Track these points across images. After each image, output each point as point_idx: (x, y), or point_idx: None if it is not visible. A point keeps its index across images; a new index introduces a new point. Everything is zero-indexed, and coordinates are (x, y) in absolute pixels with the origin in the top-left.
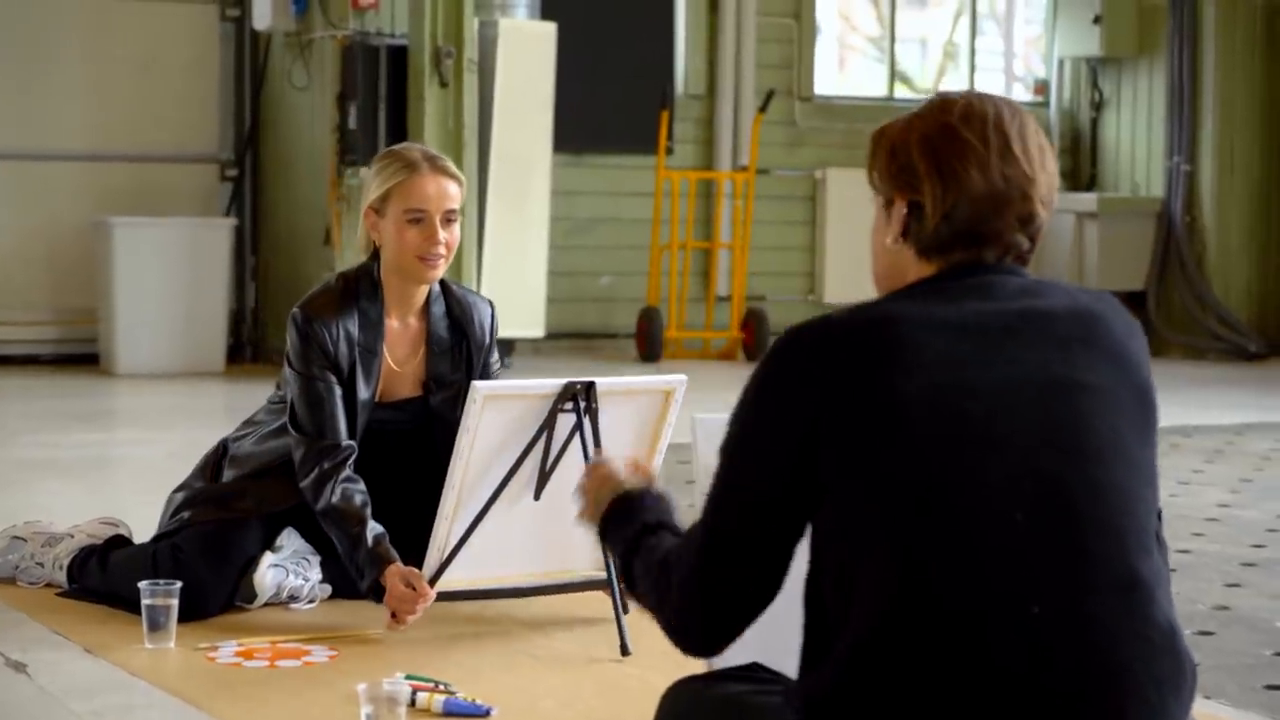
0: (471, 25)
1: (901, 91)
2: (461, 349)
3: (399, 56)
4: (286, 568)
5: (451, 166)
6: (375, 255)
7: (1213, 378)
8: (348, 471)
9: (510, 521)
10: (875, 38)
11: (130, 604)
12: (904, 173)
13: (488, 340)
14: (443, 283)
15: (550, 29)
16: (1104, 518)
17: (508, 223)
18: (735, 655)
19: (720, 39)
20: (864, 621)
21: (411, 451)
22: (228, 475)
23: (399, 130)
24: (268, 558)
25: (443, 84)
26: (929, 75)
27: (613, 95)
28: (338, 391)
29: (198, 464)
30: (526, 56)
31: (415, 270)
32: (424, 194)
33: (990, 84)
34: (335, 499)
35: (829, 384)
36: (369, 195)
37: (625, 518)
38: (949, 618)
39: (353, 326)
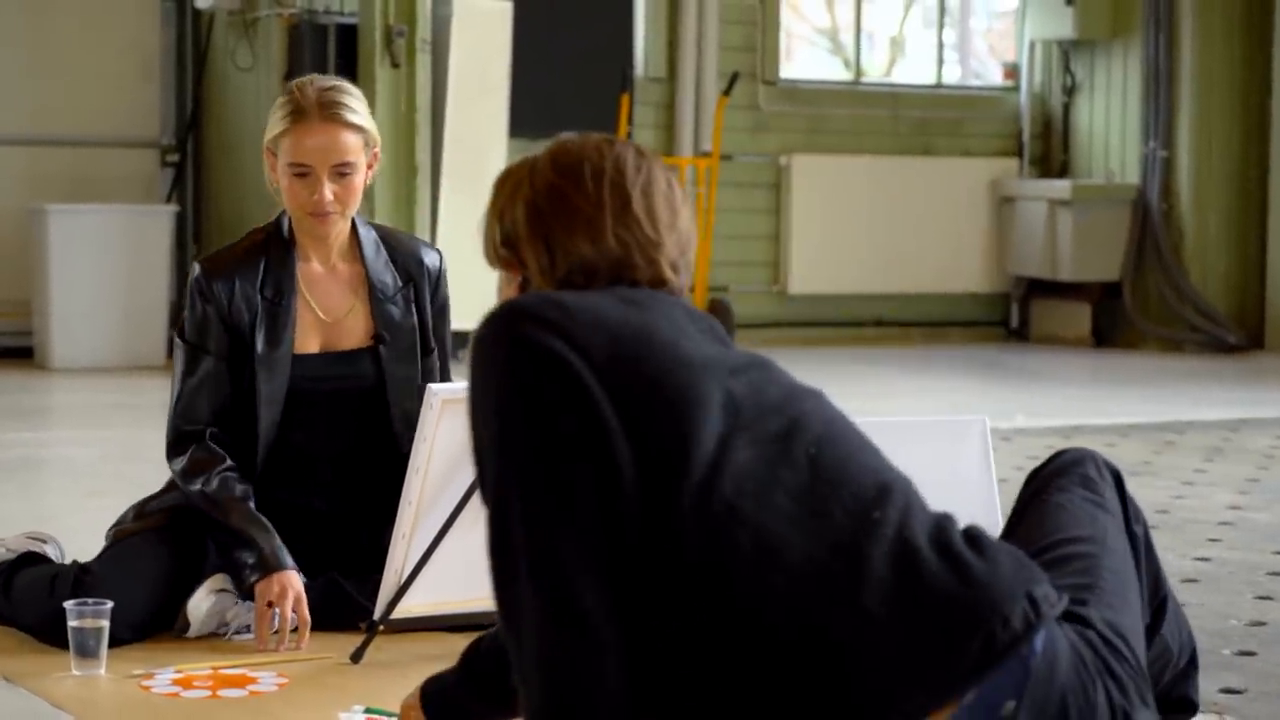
0: (424, 3)
1: (870, 75)
2: (410, 293)
3: (348, 36)
4: (235, 593)
5: (349, 113)
6: None
7: (1194, 371)
8: (228, 464)
9: (475, 539)
10: (824, 29)
11: (36, 632)
12: (509, 239)
13: (437, 285)
14: (382, 230)
15: (506, 8)
16: (862, 451)
17: (462, 209)
18: None
19: (681, 20)
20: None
21: (363, 418)
22: (167, 499)
23: None
24: (209, 582)
25: (394, 64)
26: (878, 68)
27: (570, 77)
28: (212, 368)
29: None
30: (482, 36)
31: (308, 225)
32: (308, 147)
33: (948, 75)
34: (210, 488)
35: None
36: (267, 134)
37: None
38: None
39: (254, 283)
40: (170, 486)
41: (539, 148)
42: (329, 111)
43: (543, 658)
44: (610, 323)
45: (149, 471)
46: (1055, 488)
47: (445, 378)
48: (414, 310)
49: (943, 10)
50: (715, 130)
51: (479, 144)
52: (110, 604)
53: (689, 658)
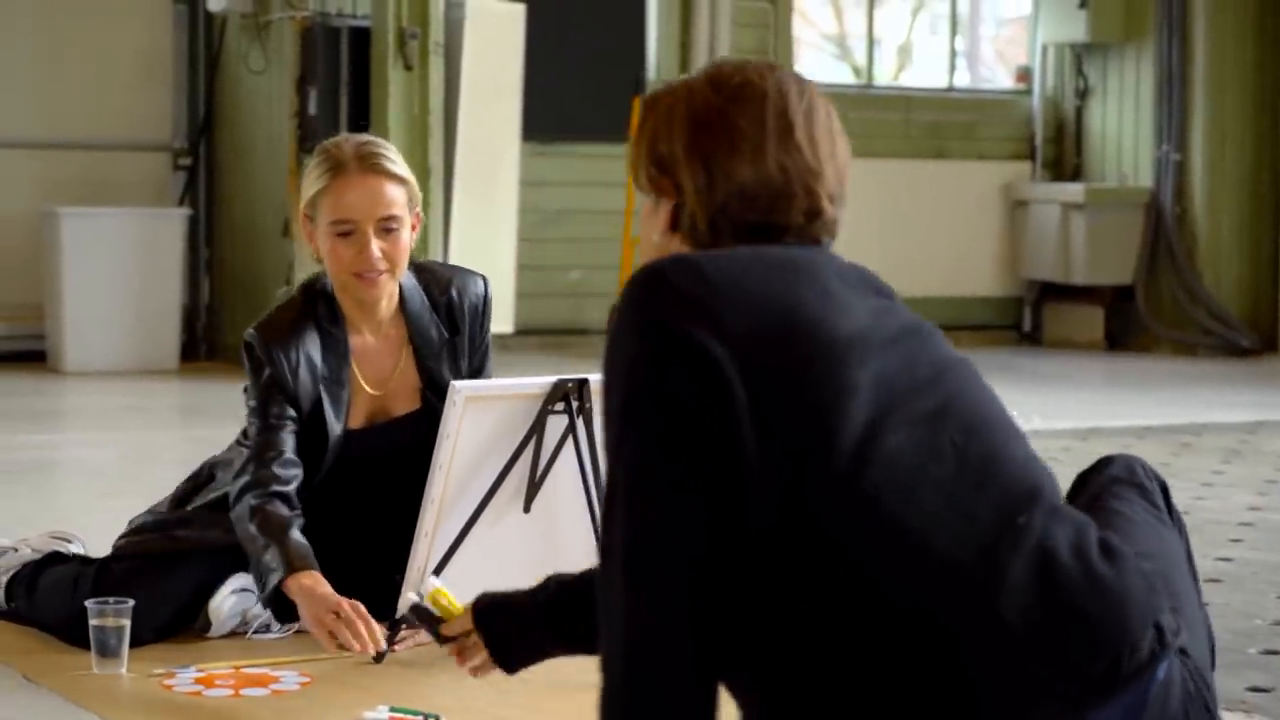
0: (437, 6)
1: (881, 77)
2: (457, 343)
3: (361, 38)
4: (256, 593)
5: (389, 163)
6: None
7: (1208, 374)
8: (287, 499)
9: (498, 537)
10: (832, 35)
11: (58, 631)
12: (664, 161)
13: (484, 320)
14: (419, 266)
15: (519, 10)
16: (1015, 442)
17: (475, 214)
18: None
19: (694, 23)
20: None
21: (413, 473)
22: (195, 502)
23: (362, 116)
24: (232, 581)
25: (407, 67)
26: (886, 75)
27: (583, 80)
28: (292, 426)
29: (177, 487)
30: (494, 39)
31: (354, 288)
32: (351, 201)
33: (958, 81)
34: (261, 504)
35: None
36: (301, 198)
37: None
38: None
39: (315, 351)
40: (184, 497)
41: (551, 152)
42: (369, 163)
43: (629, 642)
44: (754, 300)
45: (163, 473)
46: (1113, 495)
47: None
48: (463, 357)
49: (954, 17)
50: None
51: (492, 147)
52: (131, 602)
53: (814, 646)
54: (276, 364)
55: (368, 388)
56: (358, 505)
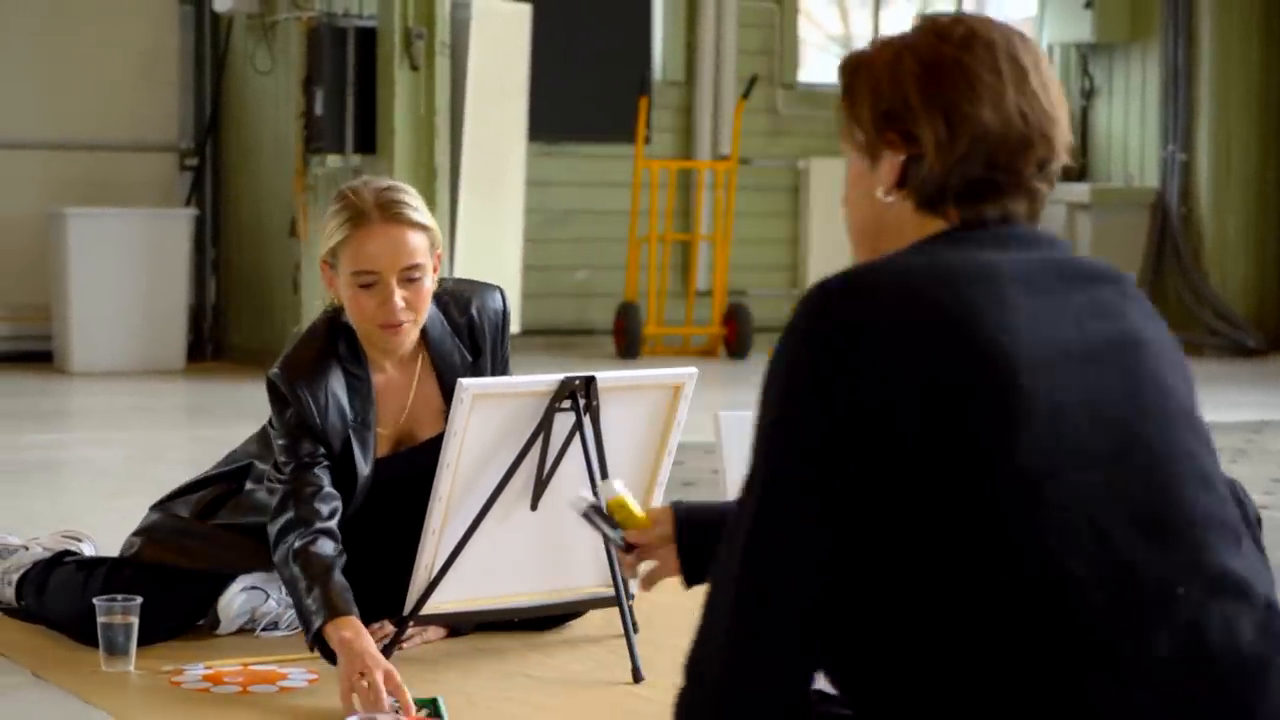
0: (444, 6)
1: None
2: (480, 364)
3: (368, 39)
4: (265, 590)
5: (412, 211)
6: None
7: (1214, 374)
8: (331, 534)
9: (505, 534)
10: (838, 36)
11: (67, 630)
12: (895, 115)
13: (503, 335)
14: (440, 294)
15: (525, 10)
16: (1193, 495)
17: (481, 214)
18: None
19: (700, 24)
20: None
21: (420, 497)
22: (222, 515)
23: (368, 116)
24: (241, 579)
25: (413, 67)
26: None
27: (589, 81)
28: (325, 462)
29: (199, 479)
30: (501, 39)
31: (378, 338)
32: (373, 252)
33: None
34: (305, 544)
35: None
36: (322, 245)
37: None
38: (1095, 604)
39: (340, 390)
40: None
41: (557, 153)
42: (390, 211)
43: (731, 640)
44: (927, 312)
45: (169, 472)
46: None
47: None
48: (485, 375)
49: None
50: (734, 134)
51: (498, 147)
52: (139, 600)
53: (939, 691)
54: (304, 405)
55: (391, 423)
56: (382, 526)
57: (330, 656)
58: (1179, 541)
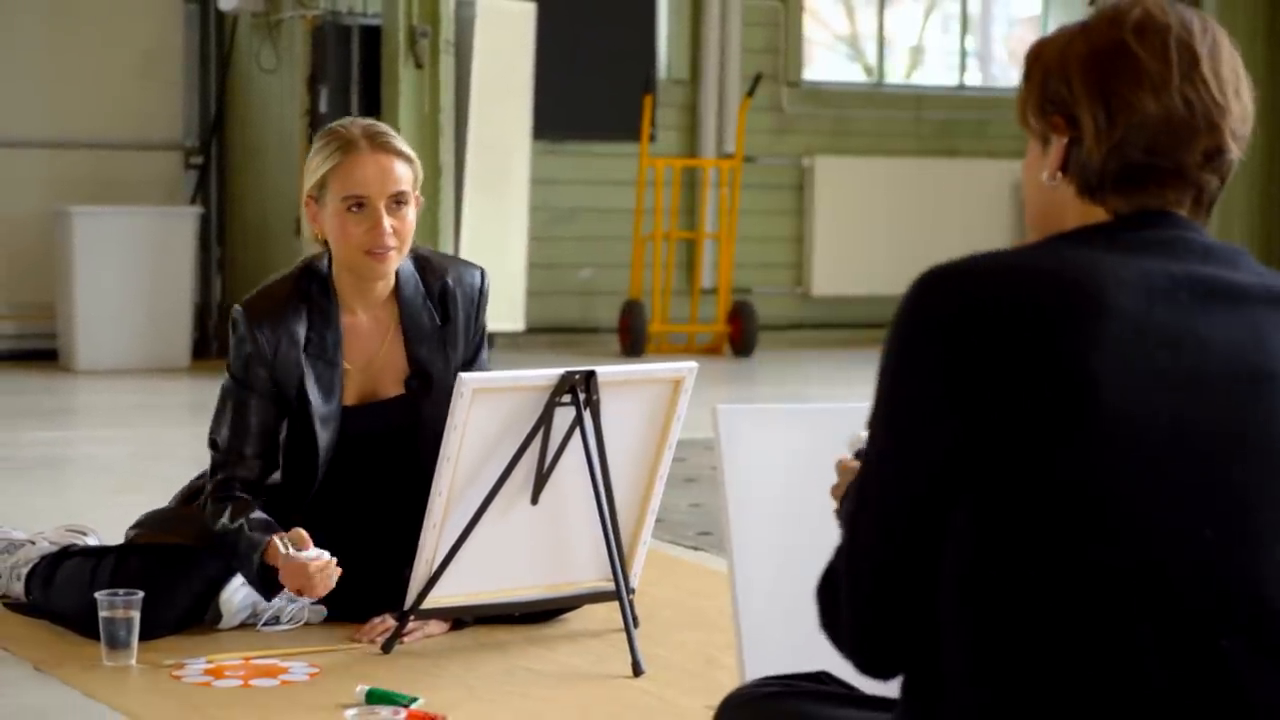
0: (448, 4)
1: (892, 77)
2: (449, 331)
3: (372, 37)
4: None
5: (398, 143)
6: (329, 245)
7: None
8: (257, 510)
9: (506, 528)
10: (844, 35)
11: (74, 623)
12: (1059, 99)
13: (479, 311)
14: (418, 254)
15: (529, 8)
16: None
17: (486, 212)
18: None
19: (704, 22)
20: (1025, 650)
21: (401, 460)
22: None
23: (373, 114)
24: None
25: (418, 65)
26: (898, 75)
27: (593, 79)
28: (261, 410)
29: (189, 482)
30: (505, 38)
31: (363, 266)
32: (363, 176)
33: (969, 80)
34: (236, 523)
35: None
36: (306, 181)
37: None
38: (1136, 639)
39: (301, 331)
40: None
41: (562, 151)
42: (378, 141)
43: (850, 594)
44: (1009, 313)
45: (174, 469)
46: None
47: None
48: (454, 346)
49: (965, 17)
50: (738, 132)
51: (502, 145)
52: (140, 594)
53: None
54: (259, 343)
55: (355, 367)
56: (358, 486)
57: (270, 587)
58: (1240, 591)
